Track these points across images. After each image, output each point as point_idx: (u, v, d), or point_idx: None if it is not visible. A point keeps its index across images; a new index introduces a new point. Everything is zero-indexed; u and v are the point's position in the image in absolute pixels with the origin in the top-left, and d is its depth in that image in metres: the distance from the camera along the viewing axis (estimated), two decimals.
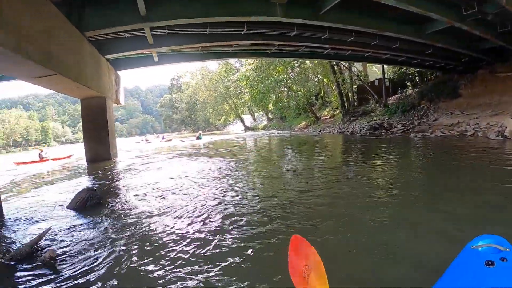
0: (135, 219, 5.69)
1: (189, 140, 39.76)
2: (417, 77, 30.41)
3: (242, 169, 11.54)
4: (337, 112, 35.96)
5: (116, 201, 7.33)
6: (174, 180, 9.71)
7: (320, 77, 40.39)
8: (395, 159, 11.17)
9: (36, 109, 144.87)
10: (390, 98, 30.44)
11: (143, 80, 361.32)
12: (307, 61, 37.79)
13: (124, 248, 4.31)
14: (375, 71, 38.74)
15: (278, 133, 39.85)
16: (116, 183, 10.56)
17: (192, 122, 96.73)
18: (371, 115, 29.39)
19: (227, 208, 5.97)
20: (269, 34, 16.84)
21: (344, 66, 34.06)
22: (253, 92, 42.81)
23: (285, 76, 40.10)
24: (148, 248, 4.28)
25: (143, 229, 5.07)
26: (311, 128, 36.39)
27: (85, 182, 11.13)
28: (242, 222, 5.11)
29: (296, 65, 39.91)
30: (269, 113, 57.73)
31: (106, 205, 6.89)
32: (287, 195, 6.61)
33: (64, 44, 11.54)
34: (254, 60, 40.10)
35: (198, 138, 37.63)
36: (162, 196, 7.46)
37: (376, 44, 18.65)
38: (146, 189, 8.48)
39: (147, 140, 46.92)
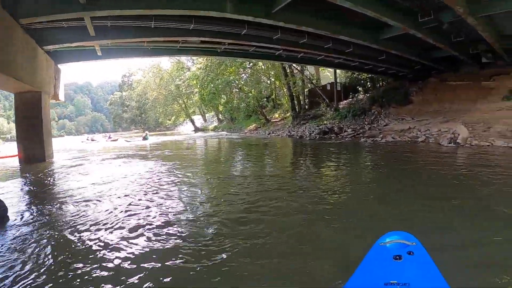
0: (40, 237, 4.82)
1: (135, 140, 38.21)
2: (368, 83, 30.84)
3: (181, 173, 10.65)
4: (288, 115, 35.82)
5: (26, 213, 6.27)
6: (102, 186, 8.91)
7: (272, 79, 39.87)
8: (344, 167, 10.96)
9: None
10: (341, 103, 30.51)
11: (94, 76, 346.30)
12: (260, 63, 37.20)
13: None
14: (327, 75, 38.86)
15: (227, 134, 39.36)
16: (36, 189, 9.55)
17: (142, 122, 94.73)
18: (321, 119, 29.26)
19: (148, 218, 5.58)
20: (218, 31, 16.16)
21: (296, 69, 33.78)
22: (202, 92, 42.21)
23: (236, 77, 39.51)
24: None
25: (47, 252, 4.19)
26: (260, 131, 35.99)
27: (5, 186, 9.85)
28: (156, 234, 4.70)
29: (248, 66, 39.35)
30: (220, 114, 56.90)
31: (14, 219, 5.83)
32: (227, 207, 6.24)
33: None
34: (205, 59, 39.20)
35: (145, 138, 36.48)
36: (84, 205, 6.72)
37: (330, 48, 18.35)
38: (67, 197, 7.64)
39: (92, 139, 44.77)
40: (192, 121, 65.74)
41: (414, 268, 1.93)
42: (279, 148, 18.59)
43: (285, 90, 35.59)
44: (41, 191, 9.06)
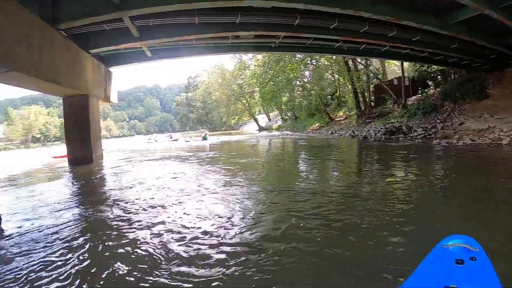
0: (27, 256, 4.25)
1: (194, 140, 37.95)
2: (439, 76, 27.68)
3: (233, 180, 9.31)
4: (352, 113, 33.19)
5: (24, 224, 5.79)
6: (135, 190, 8.57)
7: (336, 76, 37.51)
8: (415, 181, 8.10)
9: (57, 106, 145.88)
10: (410, 99, 27.76)
11: (162, 79, 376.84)
12: (322, 58, 35.46)
13: None
14: (394, 70, 35.87)
15: (288, 134, 37.32)
16: (70, 191, 9.28)
17: (208, 121, 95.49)
18: (388, 117, 26.59)
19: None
20: (268, 23, 14.83)
21: (360, 63, 31.35)
22: (263, 90, 40.74)
23: (297, 74, 37.68)
24: None
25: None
26: (323, 130, 33.63)
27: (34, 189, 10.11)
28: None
29: (310, 62, 37.46)
30: (283, 113, 55.07)
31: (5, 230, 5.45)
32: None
33: (22, 39, 10.58)
34: (263, 56, 38.14)
35: (204, 138, 35.72)
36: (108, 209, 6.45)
37: (394, 36, 16.24)
38: (89, 207, 6.91)
39: (155, 140, 44.98)
40: (256, 121, 64.86)
41: (476, 274, 1.84)
42: (341, 152, 16.15)
43: (349, 87, 33.02)
44: (59, 199, 8.16)
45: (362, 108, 31.11)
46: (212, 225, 5.11)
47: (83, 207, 6.88)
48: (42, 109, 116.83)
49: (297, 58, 35.44)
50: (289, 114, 50.04)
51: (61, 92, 16.44)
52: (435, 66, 26.32)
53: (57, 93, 17.28)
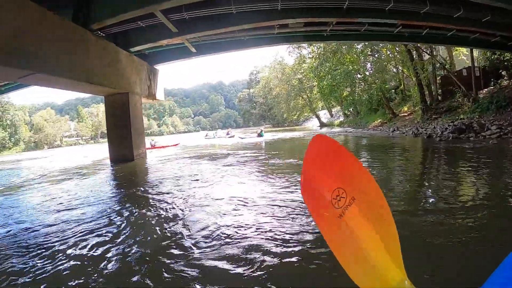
0: None
1: (249, 137, 37.20)
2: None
3: (280, 188, 7.77)
4: (417, 108, 30.00)
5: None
6: (170, 193, 8.32)
7: (400, 67, 34.71)
8: (495, 192, 6.08)
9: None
10: (481, 91, 24.40)
11: (226, 76, 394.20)
12: (384, 49, 33.50)
13: None
14: (463, 60, 32.25)
15: (347, 131, 34.99)
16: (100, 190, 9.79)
17: (271, 117, 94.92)
18: (457, 112, 23.58)
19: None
20: (312, 7, 13.76)
21: (424, 51, 28.35)
22: (321, 84, 38.71)
23: (357, 66, 35.01)
24: None
25: None
26: (385, 127, 30.94)
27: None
28: None
29: (371, 53, 34.86)
30: (345, 109, 51.72)
31: None
32: None
33: (52, 40, 11.26)
34: (317, 47, 37.01)
35: (259, 135, 34.85)
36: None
37: (460, 18, 14.14)
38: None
39: (211, 135, 47.74)
40: (317, 116, 62.84)
41: None
42: (402, 156, 13.28)
43: (414, 79, 29.93)
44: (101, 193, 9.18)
45: (428, 102, 28.13)
46: None
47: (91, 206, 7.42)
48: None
49: (356, 49, 33.43)
50: (351, 110, 47.00)
51: (100, 91, 16.95)
52: (509, 54, 23.12)
53: (97, 93, 17.77)
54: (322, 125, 58.66)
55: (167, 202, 7.21)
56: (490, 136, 15.27)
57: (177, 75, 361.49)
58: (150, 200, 7.60)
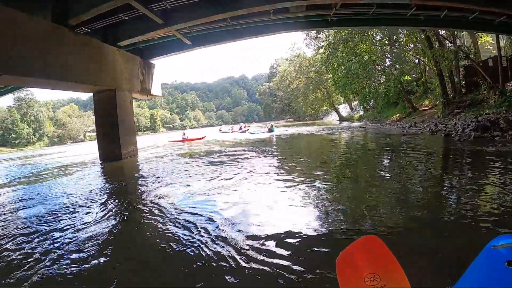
0: None
1: (260, 132, 37.24)
2: None
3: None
4: (439, 102, 27.13)
5: None
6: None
7: (422, 58, 31.85)
8: None
9: (148, 99, 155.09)
10: (508, 84, 21.56)
11: (249, 69, 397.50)
12: (404, 39, 30.60)
13: None
14: (489, 50, 28.80)
15: (361, 127, 33.32)
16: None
17: (291, 111, 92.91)
18: (481, 107, 20.78)
19: None
20: None
21: (445, 38, 25.55)
22: (335, 77, 36.26)
23: (374, 56, 32.19)
24: None
25: None
26: (403, 122, 28.65)
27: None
28: None
29: (387, 42, 32.24)
30: (364, 102, 49.40)
31: None
32: None
33: (22, 41, 11.43)
34: (326, 35, 35.56)
35: (270, 130, 35.34)
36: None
37: None
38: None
39: (226, 129, 49.14)
40: (336, 110, 61.11)
41: None
42: (400, 164, 10.32)
43: (434, 69, 27.04)
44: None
45: (450, 95, 25.38)
46: None
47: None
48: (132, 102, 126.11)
49: (373, 38, 31.07)
50: (370, 103, 44.67)
51: (82, 88, 17.26)
52: None
53: (79, 90, 18.11)
54: (342, 119, 57.05)
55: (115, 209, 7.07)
56: None
57: (199, 69, 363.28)
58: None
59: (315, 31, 40.53)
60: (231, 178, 9.21)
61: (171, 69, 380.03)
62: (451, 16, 16.03)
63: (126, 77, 18.17)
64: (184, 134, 35.38)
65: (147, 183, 10.05)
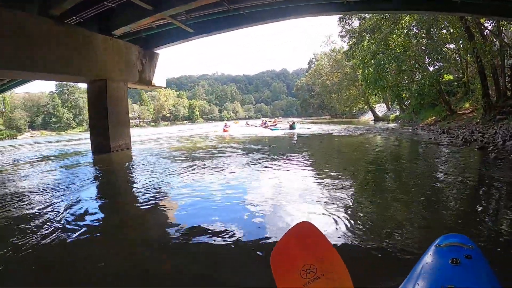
0: None
1: (280, 129, 35.71)
2: None
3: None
4: (480, 105, 23.14)
5: None
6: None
7: (462, 54, 28.16)
8: None
9: (188, 89, 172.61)
10: None
11: (290, 63, 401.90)
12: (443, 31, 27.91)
13: None
14: None
15: (389, 129, 31.19)
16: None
17: (328, 108, 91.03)
18: None
19: None
20: None
21: (490, 31, 22.07)
22: (365, 72, 33.14)
23: (409, 51, 28.48)
24: None
25: None
26: (437, 126, 25.23)
27: None
28: None
29: (424, 35, 28.80)
30: (401, 102, 45.57)
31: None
32: None
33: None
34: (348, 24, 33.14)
35: (291, 127, 33.95)
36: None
37: None
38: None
39: (251, 124, 47.22)
40: (372, 109, 58.03)
41: (472, 273, 1.78)
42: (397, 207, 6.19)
43: (475, 66, 23.04)
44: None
45: (494, 98, 21.75)
46: None
47: None
48: (172, 92, 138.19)
49: (405, 29, 28.11)
50: (406, 103, 41.64)
51: (69, 79, 17.95)
52: None
53: (67, 80, 19.88)
54: (377, 119, 54.23)
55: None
56: None
57: (240, 61, 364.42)
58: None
59: (350, 20, 37.12)
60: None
61: (212, 60, 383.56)
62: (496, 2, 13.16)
63: (121, 67, 17.62)
64: (225, 125, 40.23)
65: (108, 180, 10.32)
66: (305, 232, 1.80)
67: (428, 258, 1.96)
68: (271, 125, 40.21)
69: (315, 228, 1.81)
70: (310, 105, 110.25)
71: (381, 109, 61.05)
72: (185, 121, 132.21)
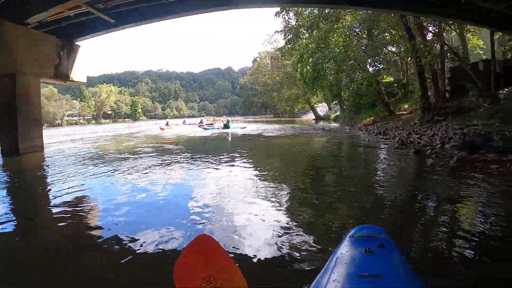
0: None
1: (214, 128, 35.69)
2: None
3: None
4: (418, 106, 22.97)
5: None
6: None
7: (403, 56, 28.46)
8: None
9: (131, 85, 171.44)
10: (502, 91, 17.77)
11: (236, 61, 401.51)
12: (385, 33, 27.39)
13: None
14: (479, 55, 25.04)
15: (325, 129, 31.05)
16: None
17: (271, 107, 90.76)
18: (469, 116, 16.67)
19: None
20: None
21: (430, 31, 22.19)
22: (304, 71, 32.61)
23: (350, 51, 27.79)
24: None
25: None
26: (375, 126, 24.87)
27: None
28: None
29: (358, 29, 28.96)
30: (339, 102, 47.02)
31: None
32: None
33: None
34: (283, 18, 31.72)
35: (226, 126, 33.57)
36: None
37: None
38: None
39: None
40: (313, 109, 58.37)
41: (385, 260, 1.95)
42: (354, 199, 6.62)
43: (415, 67, 22.81)
44: None
45: (433, 100, 21.65)
46: None
47: None
48: (114, 88, 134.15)
49: (345, 28, 27.67)
50: (347, 103, 41.38)
51: None
52: None
53: None
54: (318, 118, 54.37)
55: None
56: None
57: (186, 58, 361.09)
58: None
59: (286, 15, 36.06)
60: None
61: (158, 56, 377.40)
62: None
63: (33, 60, 16.07)
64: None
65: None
66: (204, 245, 1.88)
67: (343, 249, 2.11)
68: (206, 124, 39.67)
69: (213, 240, 1.96)
70: (253, 104, 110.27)
71: (323, 108, 61.52)
72: (127, 119, 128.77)
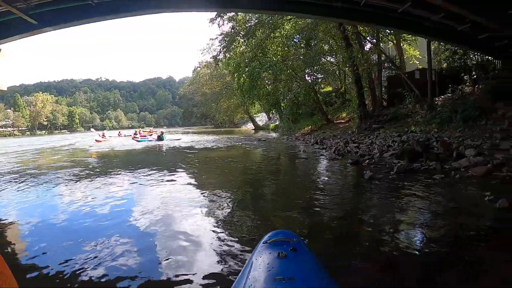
0: None
1: (147, 140, 34.48)
2: (475, 71, 17.91)
3: None
4: (356, 114, 22.85)
5: None
6: None
7: (342, 67, 28.26)
8: None
9: (69, 94, 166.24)
10: (437, 99, 18.26)
11: (177, 71, 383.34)
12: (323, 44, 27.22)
13: None
14: (415, 64, 24.77)
15: (260, 139, 30.19)
16: None
17: (211, 117, 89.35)
18: (406, 122, 16.99)
19: None
20: None
21: (368, 40, 22.16)
22: (241, 80, 31.79)
23: (287, 60, 27.86)
24: None
25: None
26: (313, 136, 24.44)
27: None
28: None
29: (303, 45, 28.43)
30: (274, 111, 46.13)
31: None
32: None
33: None
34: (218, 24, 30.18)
35: (160, 138, 32.70)
36: None
37: None
38: None
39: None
40: (252, 119, 59.16)
41: (298, 263, 1.99)
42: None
43: (350, 74, 23.68)
44: None
45: (370, 108, 21.89)
46: None
47: None
48: (49, 97, 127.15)
49: (283, 38, 27.09)
50: (285, 112, 40.37)
51: None
52: (475, 54, 17.73)
53: None
54: (257, 128, 55.47)
55: None
56: (466, 169, 8.34)
57: (126, 67, 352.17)
58: None
59: (221, 21, 34.87)
60: None
61: (97, 64, 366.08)
62: (372, 8, 11.75)
63: None
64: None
65: None
66: None
67: (258, 254, 2.14)
68: (140, 136, 38.01)
69: None
70: (193, 115, 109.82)
71: (262, 118, 61.70)
72: (64, 130, 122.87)
